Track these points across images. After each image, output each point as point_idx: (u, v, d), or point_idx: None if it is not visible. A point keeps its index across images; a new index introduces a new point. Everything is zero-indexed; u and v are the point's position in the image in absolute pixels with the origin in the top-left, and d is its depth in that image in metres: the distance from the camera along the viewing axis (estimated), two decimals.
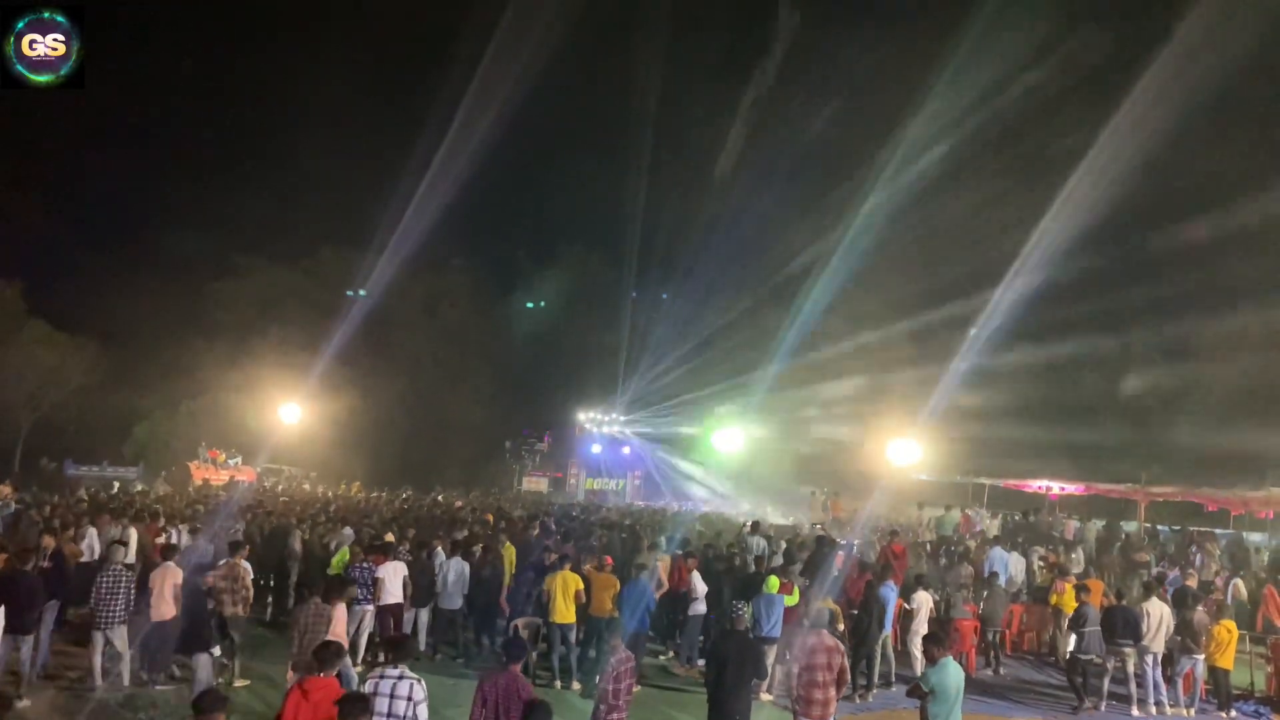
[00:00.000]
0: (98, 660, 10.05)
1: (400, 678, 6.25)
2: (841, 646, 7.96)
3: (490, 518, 20.24)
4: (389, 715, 6.11)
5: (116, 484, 29.85)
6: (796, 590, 11.29)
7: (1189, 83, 26.48)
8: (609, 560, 12.61)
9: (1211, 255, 31.93)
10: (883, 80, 36.96)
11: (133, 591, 10.23)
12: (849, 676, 8.02)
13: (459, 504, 27.40)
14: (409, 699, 6.17)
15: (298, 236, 49.60)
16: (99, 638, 10.01)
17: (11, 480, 27.00)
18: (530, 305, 57.32)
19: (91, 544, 13.43)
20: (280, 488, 32.65)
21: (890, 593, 11.99)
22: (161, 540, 13.28)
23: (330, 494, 30.68)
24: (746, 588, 11.96)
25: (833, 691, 7.73)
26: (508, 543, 14.41)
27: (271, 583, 14.84)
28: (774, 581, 11.12)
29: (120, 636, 9.97)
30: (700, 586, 12.36)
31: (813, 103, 40.44)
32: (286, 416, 37.88)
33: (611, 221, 67.70)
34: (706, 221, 45.57)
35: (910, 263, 40.07)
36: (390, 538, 14.41)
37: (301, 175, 53.18)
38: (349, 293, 44.96)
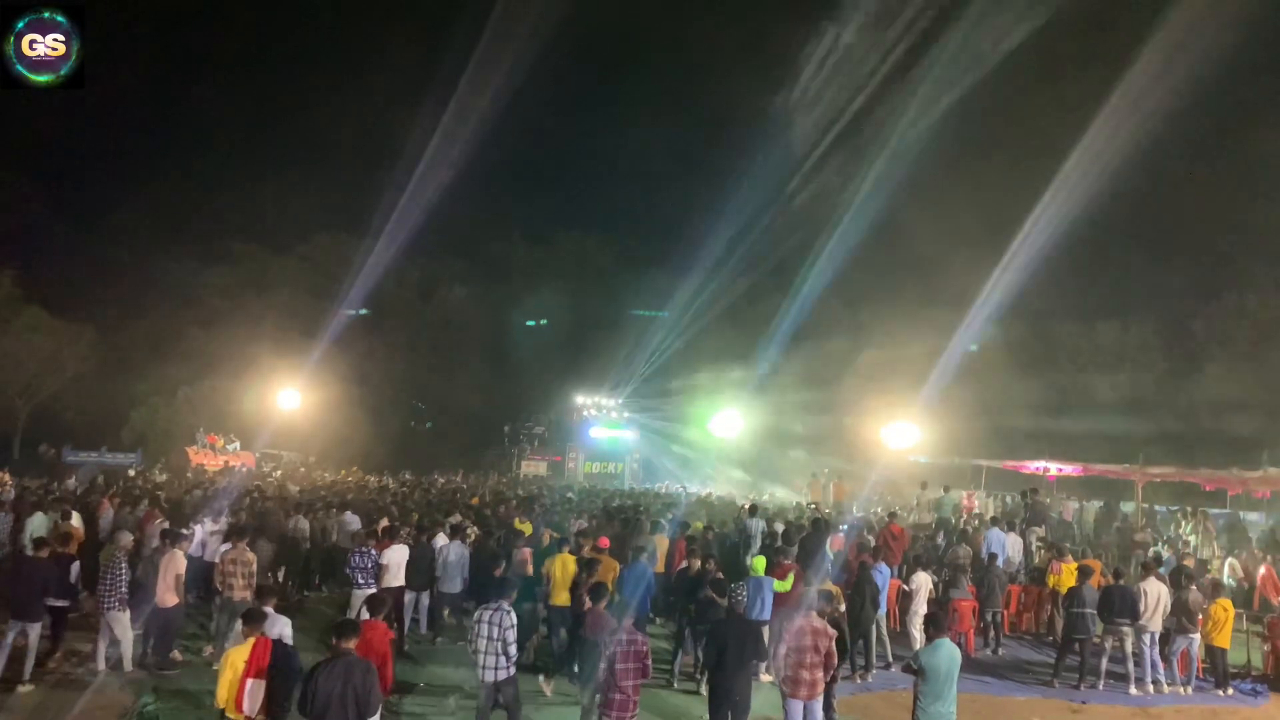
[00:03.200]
0: (102, 645, 10.09)
1: (498, 609, 7.91)
2: (830, 629, 7.99)
3: (476, 501, 20.34)
4: (488, 639, 7.82)
5: (132, 470, 29.69)
6: (791, 575, 11.23)
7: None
8: (605, 542, 12.64)
9: (1212, 240, 32.00)
10: (890, 61, 36.85)
11: (126, 577, 10.16)
12: (836, 660, 8.05)
13: (465, 486, 27.54)
14: (501, 625, 7.84)
15: (293, 222, 49.53)
16: (104, 623, 10.05)
17: (10, 467, 27.02)
18: (527, 291, 57.17)
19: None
20: (279, 473, 32.67)
21: (880, 575, 12.04)
22: (161, 526, 13.26)
23: (332, 479, 30.71)
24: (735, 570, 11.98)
25: (820, 673, 7.79)
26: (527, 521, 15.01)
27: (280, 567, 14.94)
28: (760, 563, 11.14)
29: (119, 621, 9.99)
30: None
31: (818, 86, 40.27)
32: (285, 402, 37.88)
33: (610, 205, 67.76)
34: (707, 204, 45.54)
35: (909, 250, 40.08)
36: (386, 522, 14.46)
37: (296, 161, 53.09)
38: (350, 312, 44.91)
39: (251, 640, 6.74)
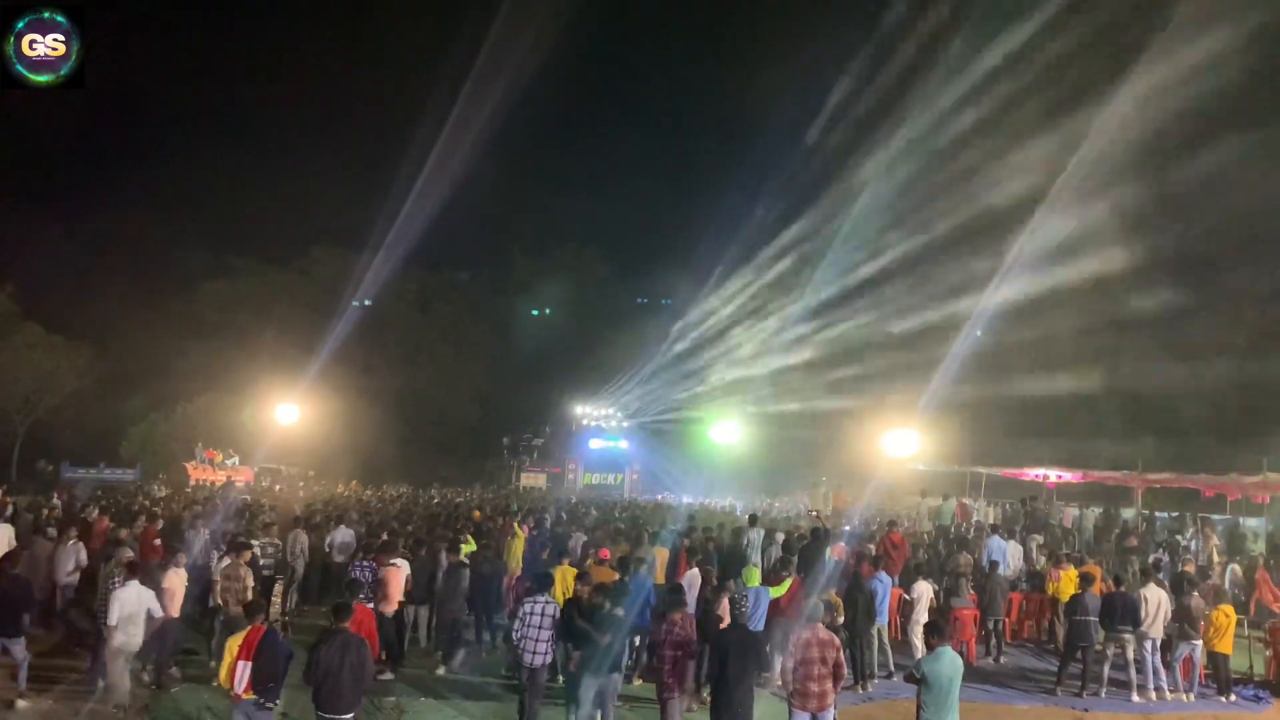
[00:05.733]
0: (101, 661, 10.00)
1: (548, 601, 9.04)
2: (837, 640, 7.97)
3: (477, 515, 20.30)
4: (539, 627, 8.78)
5: (151, 488, 29.34)
6: (786, 582, 11.21)
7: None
8: (605, 554, 12.61)
9: (1209, 246, 32.05)
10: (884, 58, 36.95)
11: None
12: (845, 670, 8.03)
13: (461, 500, 27.40)
14: (546, 616, 8.85)
15: (291, 236, 49.71)
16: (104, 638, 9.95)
17: (8, 484, 26.94)
18: (526, 301, 57.25)
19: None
20: (278, 488, 32.61)
21: (880, 584, 12.01)
22: (157, 543, 13.20)
23: (333, 493, 30.64)
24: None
25: (829, 684, 7.75)
26: (519, 534, 14.79)
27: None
28: (754, 573, 11.08)
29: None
30: (693, 585, 11.91)
31: (812, 89, 40.41)
32: (283, 416, 37.85)
33: (608, 217, 67.93)
34: (705, 215, 45.71)
35: (908, 257, 40.13)
36: (385, 536, 14.39)
37: (294, 175, 53.19)
38: (354, 303, 44.94)
39: (248, 628, 7.66)
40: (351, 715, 7.32)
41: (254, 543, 12.66)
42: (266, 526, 14.22)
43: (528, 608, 8.94)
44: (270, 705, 7.47)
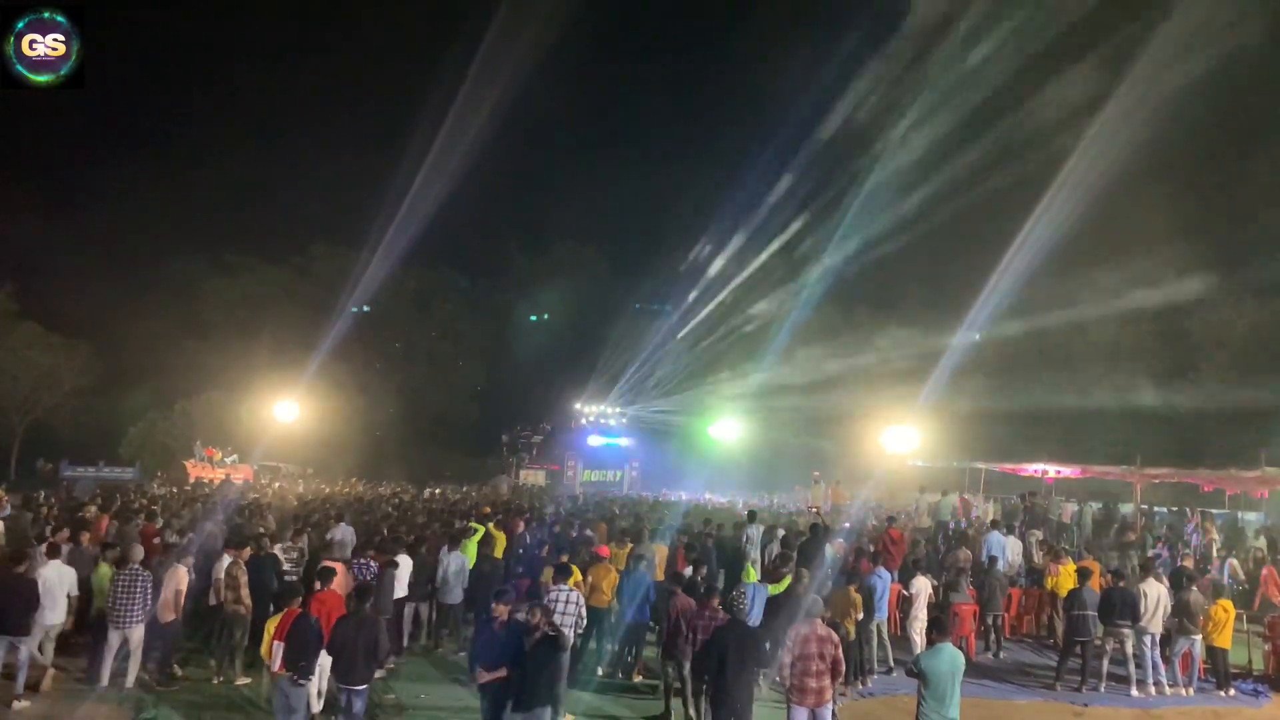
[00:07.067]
0: (109, 659, 10.01)
1: (564, 590, 9.56)
2: (835, 636, 7.97)
3: (487, 511, 20.29)
4: (563, 615, 9.24)
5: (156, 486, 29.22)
6: (786, 579, 11.23)
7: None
8: (604, 551, 12.62)
9: (1209, 241, 32.08)
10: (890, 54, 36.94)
11: (150, 591, 10.14)
12: (844, 667, 8.02)
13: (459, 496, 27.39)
14: (571, 603, 9.46)
15: (289, 234, 49.59)
16: (115, 637, 9.93)
17: (7, 484, 26.91)
18: (525, 300, 57.22)
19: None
20: (277, 485, 32.59)
21: (879, 580, 12.02)
22: (158, 541, 13.18)
23: (331, 491, 30.61)
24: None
25: (827, 680, 7.75)
26: (496, 530, 14.69)
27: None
28: (751, 571, 11.08)
29: (137, 636, 9.96)
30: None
31: (812, 84, 40.34)
32: (282, 414, 37.82)
33: (607, 214, 67.85)
34: (704, 210, 45.71)
35: (907, 255, 40.13)
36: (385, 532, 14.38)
37: (293, 172, 53.11)
38: (353, 309, 44.87)
39: (285, 610, 8.35)
40: (364, 687, 8.12)
41: (277, 545, 12.64)
42: (296, 533, 14.15)
43: (554, 594, 9.45)
44: (302, 682, 8.02)
